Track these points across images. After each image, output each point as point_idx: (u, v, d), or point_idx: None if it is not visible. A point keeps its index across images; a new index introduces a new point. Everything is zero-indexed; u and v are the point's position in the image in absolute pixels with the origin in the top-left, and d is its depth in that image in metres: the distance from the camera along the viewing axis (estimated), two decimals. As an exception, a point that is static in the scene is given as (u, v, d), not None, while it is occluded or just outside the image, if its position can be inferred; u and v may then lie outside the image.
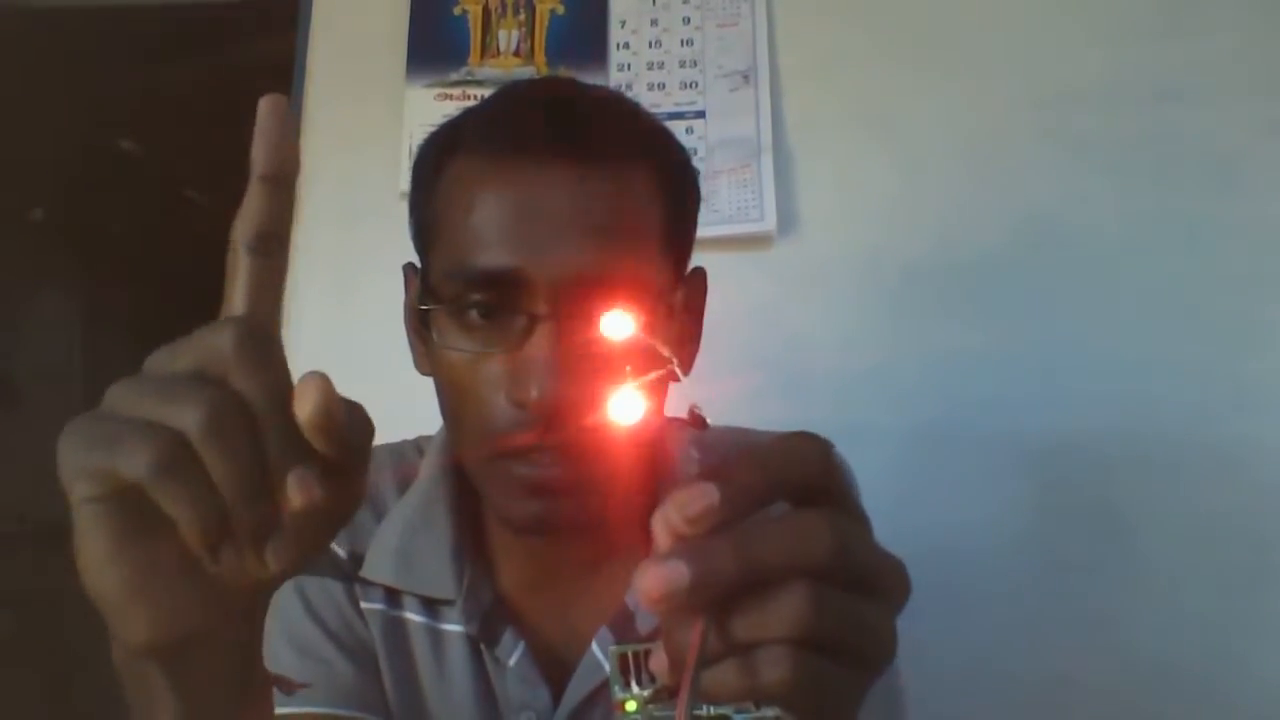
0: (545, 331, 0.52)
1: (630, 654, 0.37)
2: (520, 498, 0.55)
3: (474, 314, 0.55)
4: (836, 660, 0.29)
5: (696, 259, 0.65)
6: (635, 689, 0.36)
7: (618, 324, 0.34)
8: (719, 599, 0.29)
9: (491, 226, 0.53)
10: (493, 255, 0.53)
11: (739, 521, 0.29)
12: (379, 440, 0.72)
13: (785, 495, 0.31)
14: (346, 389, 0.32)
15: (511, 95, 0.61)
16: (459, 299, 0.55)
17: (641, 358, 0.36)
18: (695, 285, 0.65)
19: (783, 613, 0.29)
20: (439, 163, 0.59)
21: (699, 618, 0.29)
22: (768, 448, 0.30)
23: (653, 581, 0.28)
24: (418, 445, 0.72)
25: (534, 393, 0.51)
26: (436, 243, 0.58)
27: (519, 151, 0.54)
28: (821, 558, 0.29)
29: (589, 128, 0.56)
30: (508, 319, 0.54)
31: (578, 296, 0.52)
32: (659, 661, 0.31)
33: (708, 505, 0.28)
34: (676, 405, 0.73)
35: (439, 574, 0.63)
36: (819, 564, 0.29)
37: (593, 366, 0.51)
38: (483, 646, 0.63)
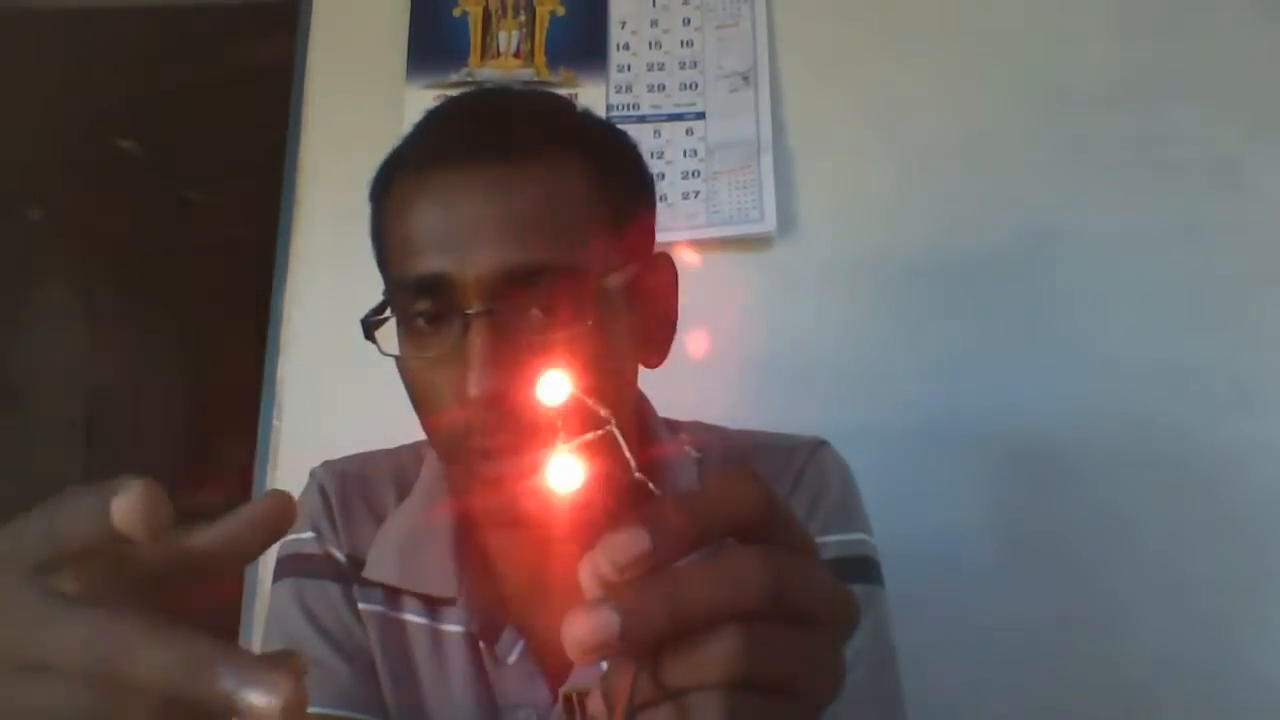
0: (479, 328, 0.53)
1: (575, 695, 0.37)
2: (485, 493, 0.56)
3: (420, 322, 0.56)
4: (774, 697, 0.29)
5: (697, 259, 0.64)
6: None
7: (553, 387, 0.32)
8: (651, 646, 0.28)
9: (421, 236, 0.56)
10: (423, 263, 0.55)
11: (670, 566, 0.28)
12: (384, 445, 0.73)
13: (720, 537, 0.30)
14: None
15: (439, 111, 0.63)
16: (405, 310, 0.57)
17: (577, 414, 0.33)
18: (659, 270, 0.65)
19: (715, 658, 0.28)
20: (384, 187, 0.61)
21: (629, 664, 0.29)
22: (702, 490, 0.30)
23: (581, 631, 0.27)
24: (417, 450, 0.72)
25: (473, 389, 0.52)
26: (386, 262, 0.60)
27: (441, 161, 0.56)
28: (755, 598, 0.28)
29: (507, 128, 0.58)
30: (447, 323, 0.55)
31: (508, 291, 0.53)
32: (596, 704, 0.30)
33: (638, 552, 0.27)
34: (668, 403, 0.73)
35: (440, 573, 0.64)
36: (753, 605, 0.28)
37: (531, 356, 0.53)
38: (482, 645, 0.63)
